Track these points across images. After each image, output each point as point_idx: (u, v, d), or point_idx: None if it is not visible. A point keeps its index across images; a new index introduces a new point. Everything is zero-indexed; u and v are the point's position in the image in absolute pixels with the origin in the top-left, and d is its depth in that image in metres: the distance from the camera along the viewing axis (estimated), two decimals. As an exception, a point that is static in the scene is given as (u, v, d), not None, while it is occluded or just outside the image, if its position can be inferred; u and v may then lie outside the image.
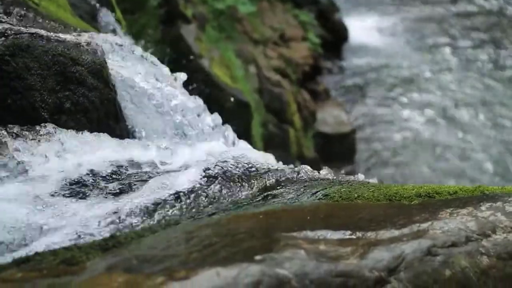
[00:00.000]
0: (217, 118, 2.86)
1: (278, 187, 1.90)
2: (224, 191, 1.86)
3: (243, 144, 2.92)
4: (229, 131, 2.89)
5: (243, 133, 6.76)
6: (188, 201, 1.75)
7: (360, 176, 2.10)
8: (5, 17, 2.29)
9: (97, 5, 3.57)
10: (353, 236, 1.33)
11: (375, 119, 9.82)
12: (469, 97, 10.33)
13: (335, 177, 2.03)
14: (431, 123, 9.70)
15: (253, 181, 1.94)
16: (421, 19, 12.80)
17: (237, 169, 1.98)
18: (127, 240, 1.40)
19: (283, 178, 1.97)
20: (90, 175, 1.96)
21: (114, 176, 1.99)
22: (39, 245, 1.52)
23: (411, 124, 9.70)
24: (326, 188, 1.77)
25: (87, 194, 1.85)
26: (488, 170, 8.79)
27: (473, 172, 8.73)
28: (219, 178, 1.91)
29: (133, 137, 2.53)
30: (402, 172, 8.68)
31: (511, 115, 9.87)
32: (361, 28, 12.23)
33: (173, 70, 2.92)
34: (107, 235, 1.49)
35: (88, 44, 2.40)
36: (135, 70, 2.64)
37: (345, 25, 11.84)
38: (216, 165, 1.96)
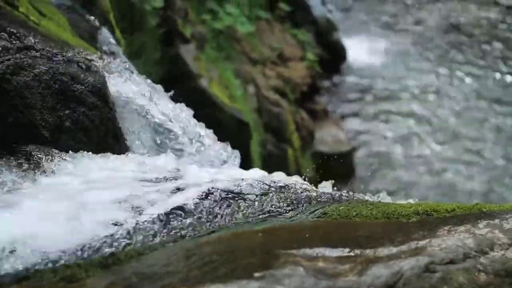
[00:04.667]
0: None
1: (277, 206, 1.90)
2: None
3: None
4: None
5: (242, 153, 6.77)
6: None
7: (359, 195, 2.11)
8: (5, 36, 2.31)
9: (97, 24, 3.59)
10: (352, 253, 1.33)
11: (374, 138, 9.84)
12: (469, 113, 10.36)
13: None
14: (430, 141, 9.72)
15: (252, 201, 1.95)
16: (420, 41, 12.87)
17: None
18: (127, 257, 1.40)
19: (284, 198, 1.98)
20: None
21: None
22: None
23: (410, 142, 9.72)
24: (324, 207, 1.77)
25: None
26: (487, 187, 8.79)
27: (472, 189, 8.73)
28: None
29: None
30: (402, 190, 8.68)
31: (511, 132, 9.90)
32: (360, 48, 12.27)
33: (171, 90, 2.94)
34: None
35: (88, 63, 2.42)
36: (132, 90, 2.66)
37: (344, 45, 11.88)
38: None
